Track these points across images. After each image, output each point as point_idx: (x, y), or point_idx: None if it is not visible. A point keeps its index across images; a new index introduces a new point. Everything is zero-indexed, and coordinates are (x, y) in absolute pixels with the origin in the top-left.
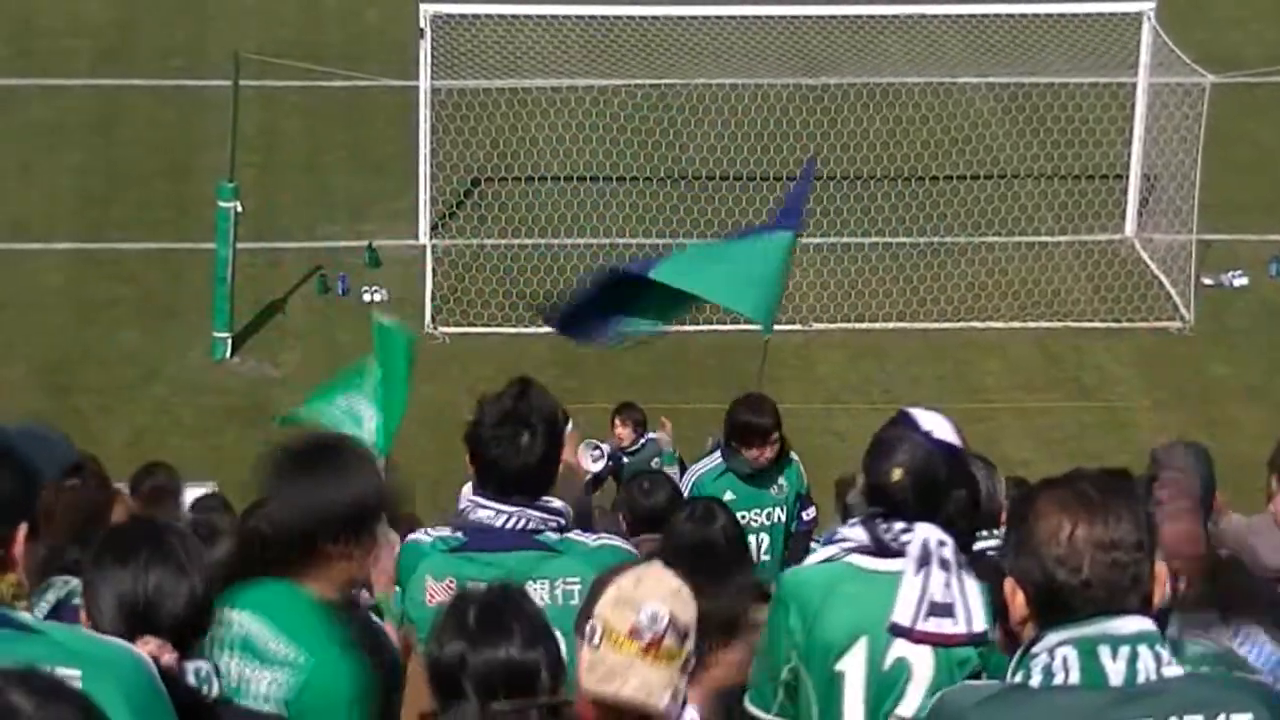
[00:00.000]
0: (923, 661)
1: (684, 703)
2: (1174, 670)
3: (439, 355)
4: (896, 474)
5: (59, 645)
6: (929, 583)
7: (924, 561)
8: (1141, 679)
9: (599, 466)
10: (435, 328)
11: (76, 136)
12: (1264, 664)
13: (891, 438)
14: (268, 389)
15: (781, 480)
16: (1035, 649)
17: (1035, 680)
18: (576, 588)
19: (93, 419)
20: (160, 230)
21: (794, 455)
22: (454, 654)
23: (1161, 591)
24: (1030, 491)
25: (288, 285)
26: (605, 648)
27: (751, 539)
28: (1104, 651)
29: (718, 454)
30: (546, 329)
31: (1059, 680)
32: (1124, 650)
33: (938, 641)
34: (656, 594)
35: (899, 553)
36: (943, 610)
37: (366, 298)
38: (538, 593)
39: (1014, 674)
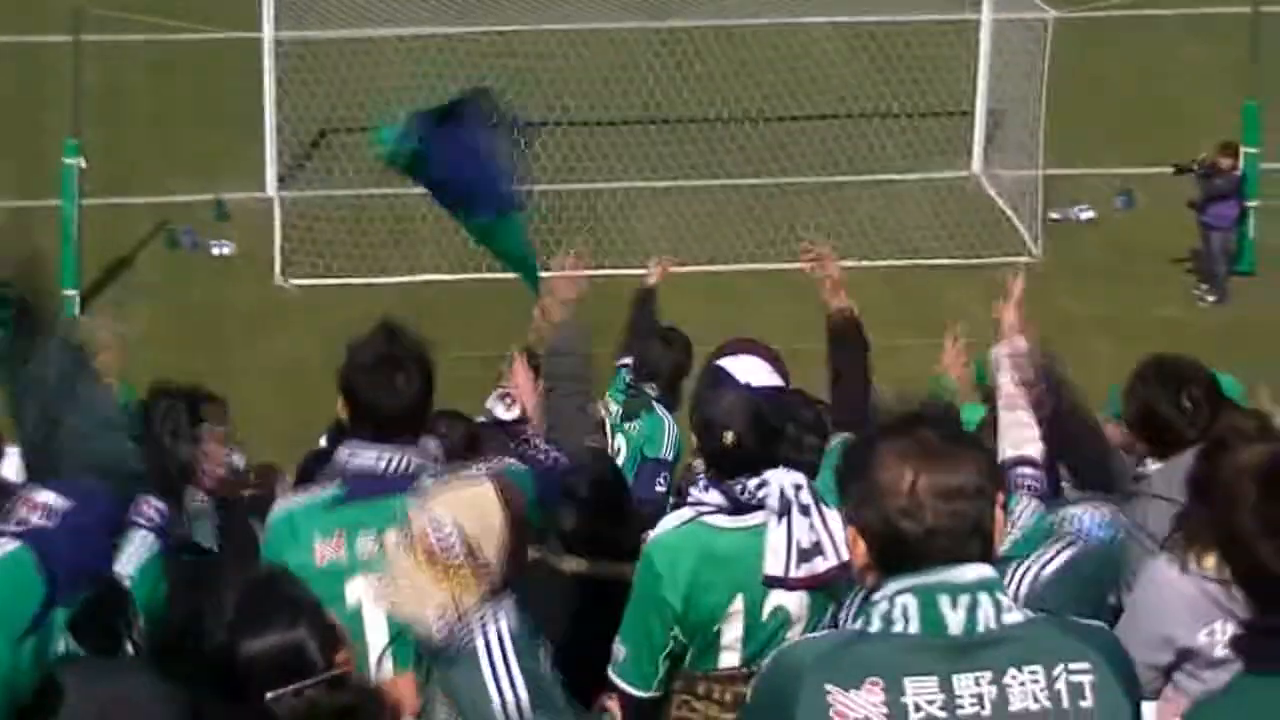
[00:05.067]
0: (799, 604)
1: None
2: (1014, 617)
3: (290, 307)
4: (729, 437)
5: None
6: (793, 530)
7: (785, 511)
8: (981, 628)
9: (512, 415)
10: (285, 280)
11: None
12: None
13: (713, 400)
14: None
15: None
16: (876, 596)
17: (874, 627)
18: None
19: None
20: (7, 188)
21: (660, 410)
22: (221, 651)
23: (1001, 537)
24: (869, 439)
25: (136, 241)
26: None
27: None
28: (944, 600)
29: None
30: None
31: (899, 628)
32: (964, 599)
33: (813, 584)
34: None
35: (758, 507)
36: (812, 552)
37: (215, 251)
38: None
39: (854, 620)
